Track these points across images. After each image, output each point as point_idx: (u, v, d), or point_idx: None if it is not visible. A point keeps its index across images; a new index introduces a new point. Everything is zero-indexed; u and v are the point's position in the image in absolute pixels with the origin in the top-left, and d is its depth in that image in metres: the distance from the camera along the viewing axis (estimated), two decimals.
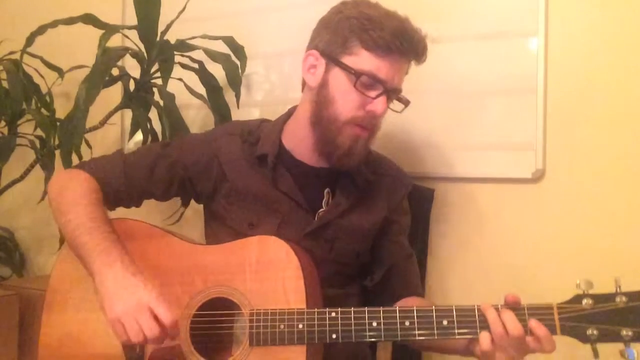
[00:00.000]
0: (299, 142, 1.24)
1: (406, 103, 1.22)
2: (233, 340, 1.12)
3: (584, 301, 0.94)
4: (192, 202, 1.36)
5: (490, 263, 1.50)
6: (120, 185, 1.23)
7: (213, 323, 1.12)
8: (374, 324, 1.03)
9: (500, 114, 1.47)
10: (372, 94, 1.13)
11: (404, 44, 1.11)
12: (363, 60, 1.12)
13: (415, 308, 1.02)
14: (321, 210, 1.23)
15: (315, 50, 1.18)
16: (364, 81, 1.12)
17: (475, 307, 0.99)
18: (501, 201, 1.49)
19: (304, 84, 1.23)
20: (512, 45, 1.46)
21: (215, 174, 1.25)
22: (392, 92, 1.16)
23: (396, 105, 1.21)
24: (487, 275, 1.50)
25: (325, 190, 1.24)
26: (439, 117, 1.53)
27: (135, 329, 0.98)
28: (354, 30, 1.12)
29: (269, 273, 1.10)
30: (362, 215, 1.25)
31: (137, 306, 0.98)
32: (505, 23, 1.46)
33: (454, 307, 1.00)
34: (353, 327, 1.03)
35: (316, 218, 1.22)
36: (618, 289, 0.93)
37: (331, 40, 1.15)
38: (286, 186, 1.22)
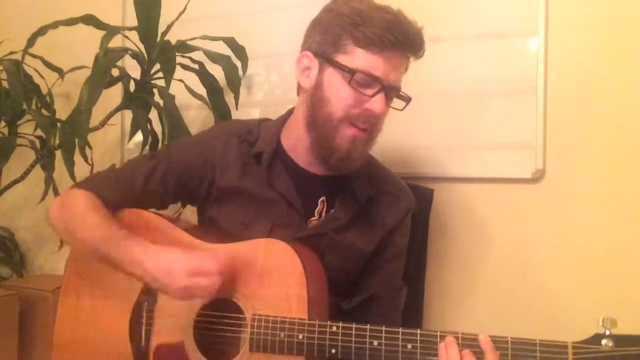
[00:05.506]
0: (296, 144, 1.19)
1: (407, 100, 1.15)
2: (235, 342, 1.11)
3: (604, 342, 0.87)
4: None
5: (490, 263, 1.50)
6: (116, 199, 1.20)
7: (216, 324, 1.11)
8: (375, 343, 1.00)
9: (500, 114, 1.47)
10: (369, 92, 1.08)
11: (398, 37, 1.05)
12: (357, 58, 1.07)
13: (419, 331, 0.98)
14: (313, 218, 1.19)
15: (308, 51, 1.13)
16: (359, 79, 1.07)
17: (479, 336, 0.94)
18: (501, 201, 1.49)
19: (299, 87, 1.18)
20: (512, 45, 1.46)
21: (208, 179, 1.21)
22: (390, 90, 1.11)
23: (397, 103, 1.16)
24: (487, 275, 1.50)
25: (320, 199, 1.19)
26: (438, 117, 1.53)
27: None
28: (345, 28, 1.07)
29: (272, 278, 1.08)
30: (358, 234, 1.20)
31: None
32: (505, 23, 1.46)
33: (459, 335, 0.95)
34: (353, 344, 1.01)
35: (308, 226, 1.18)
36: None
37: (323, 39, 1.10)
38: (282, 186, 1.18)
